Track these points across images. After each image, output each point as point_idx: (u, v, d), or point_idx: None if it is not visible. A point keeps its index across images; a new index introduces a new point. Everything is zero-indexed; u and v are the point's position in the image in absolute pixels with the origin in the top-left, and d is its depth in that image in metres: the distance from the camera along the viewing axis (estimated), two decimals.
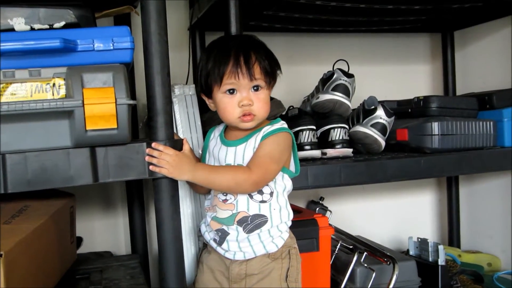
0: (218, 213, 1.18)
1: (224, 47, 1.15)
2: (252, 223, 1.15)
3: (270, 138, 1.13)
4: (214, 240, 1.19)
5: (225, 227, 1.17)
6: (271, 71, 1.15)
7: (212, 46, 1.19)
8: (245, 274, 1.17)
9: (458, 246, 2.22)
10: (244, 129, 1.17)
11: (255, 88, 1.13)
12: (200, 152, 1.32)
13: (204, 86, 1.17)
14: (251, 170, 1.10)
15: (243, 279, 1.17)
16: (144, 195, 1.76)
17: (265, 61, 1.13)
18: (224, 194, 1.17)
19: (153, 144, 1.06)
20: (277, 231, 1.17)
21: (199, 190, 1.32)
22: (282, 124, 1.18)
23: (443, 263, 1.76)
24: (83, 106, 0.98)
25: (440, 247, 1.77)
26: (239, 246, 1.16)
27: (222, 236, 1.17)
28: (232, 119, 1.15)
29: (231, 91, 1.13)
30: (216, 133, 1.26)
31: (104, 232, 1.85)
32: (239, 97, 1.13)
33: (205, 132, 1.37)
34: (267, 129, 1.15)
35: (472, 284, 1.80)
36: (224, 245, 1.17)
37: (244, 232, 1.15)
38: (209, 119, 1.40)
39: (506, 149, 1.75)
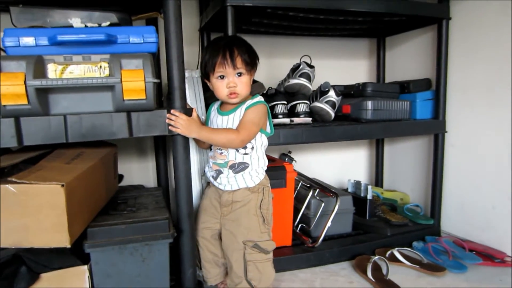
0: (217, 160, 1.18)
1: (216, 45, 1.13)
2: (238, 167, 1.15)
3: (251, 108, 1.13)
4: (213, 176, 1.20)
5: (220, 169, 1.17)
6: (251, 62, 1.13)
7: (209, 44, 1.18)
8: (232, 201, 1.17)
9: (381, 186, 2.25)
10: (232, 103, 1.16)
11: (238, 74, 1.12)
12: (204, 118, 1.31)
13: (204, 73, 1.16)
14: (239, 131, 1.11)
15: (230, 204, 1.18)
16: (166, 146, 1.75)
17: (245, 54, 1.11)
18: (220, 149, 1.17)
19: (171, 111, 1.06)
20: (255, 173, 1.17)
21: (202, 146, 1.32)
22: (260, 98, 1.17)
23: (371, 198, 1.80)
24: (121, 82, 0.97)
25: (369, 187, 1.80)
26: (228, 181, 1.16)
27: (218, 173, 1.18)
28: (222, 96, 1.14)
29: (221, 76, 1.12)
30: (214, 107, 1.24)
31: (138, 171, 1.85)
32: (227, 81, 1.12)
33: (207, 104, 1.35)
34: (249, 102, 1.14)
35: (389, 212, 1.83)
36: (218, 180, 1.18)
37: (233, 172, 1.16)
38: (211, 94, 1.38)
39: (417, 121, 1.77)
